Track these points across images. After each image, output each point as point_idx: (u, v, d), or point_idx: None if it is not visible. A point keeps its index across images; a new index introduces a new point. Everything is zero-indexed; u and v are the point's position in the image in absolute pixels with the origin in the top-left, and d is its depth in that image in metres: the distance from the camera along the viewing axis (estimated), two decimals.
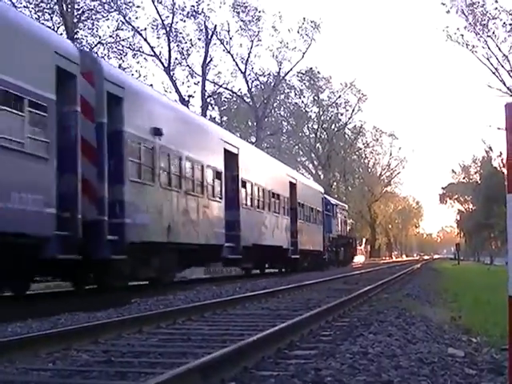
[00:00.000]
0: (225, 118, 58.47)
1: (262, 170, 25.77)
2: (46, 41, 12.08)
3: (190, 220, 17.62)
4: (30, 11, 37.32)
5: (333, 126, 74.39)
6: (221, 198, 20.27)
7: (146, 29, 45.24)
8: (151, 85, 30.56)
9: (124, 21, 43.02)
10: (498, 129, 48.84)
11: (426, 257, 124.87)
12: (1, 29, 10.71)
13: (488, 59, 49.07)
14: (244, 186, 22.88)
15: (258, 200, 24.72)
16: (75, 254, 12.04)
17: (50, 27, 29.24)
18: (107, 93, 13.64)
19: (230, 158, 21.46)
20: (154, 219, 15.42)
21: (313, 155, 75.00)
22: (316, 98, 70.01)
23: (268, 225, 25.72)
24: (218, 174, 20.01)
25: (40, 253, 11.31)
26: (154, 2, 45.28)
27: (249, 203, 23.44)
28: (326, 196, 41.63)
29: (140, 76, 42.20)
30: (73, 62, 12.50)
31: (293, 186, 30.54)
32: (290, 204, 29.60)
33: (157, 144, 15.62)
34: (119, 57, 42.57)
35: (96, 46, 40.75)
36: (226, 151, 21.03)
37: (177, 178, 16.93)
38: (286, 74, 57.41)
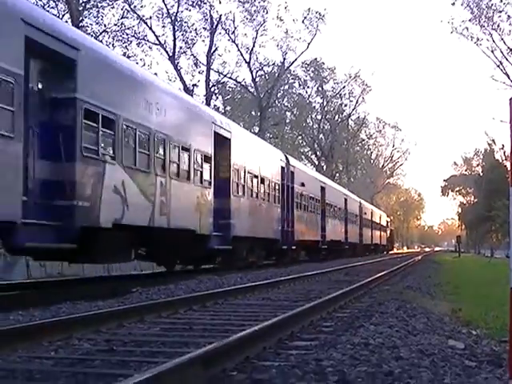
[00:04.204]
0: (228, 108, 58.39)
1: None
2: None
3: None
4: None
5: (336, 117, 74.18)
6: None
7: (151, 17, 45.11)
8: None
9: (129, 9, 42.95)
10: (501, 121, 48.77)
11: (427, 249, 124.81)
12: None
13: (492, 52, 49.04)
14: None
15: (369, 221, 56.07)
16: None
17: (55, 15, 29.14)
18: None
19: None
20: None
21: (316, 146, 74.82)
22: (320, 88, 69.80)
23: (372, 232, 57.55)
24: None
25: None
26: None
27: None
28: (386, 216, 77.27)
29: (144, 65, 42.19)
30: None
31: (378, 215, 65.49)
32: (380, 224, 64.83)
33: None
34: (124, 45, 42.58)
35: (101, 34, 40.69)
36: None
37: None
38: (290, 65, 57.25)
